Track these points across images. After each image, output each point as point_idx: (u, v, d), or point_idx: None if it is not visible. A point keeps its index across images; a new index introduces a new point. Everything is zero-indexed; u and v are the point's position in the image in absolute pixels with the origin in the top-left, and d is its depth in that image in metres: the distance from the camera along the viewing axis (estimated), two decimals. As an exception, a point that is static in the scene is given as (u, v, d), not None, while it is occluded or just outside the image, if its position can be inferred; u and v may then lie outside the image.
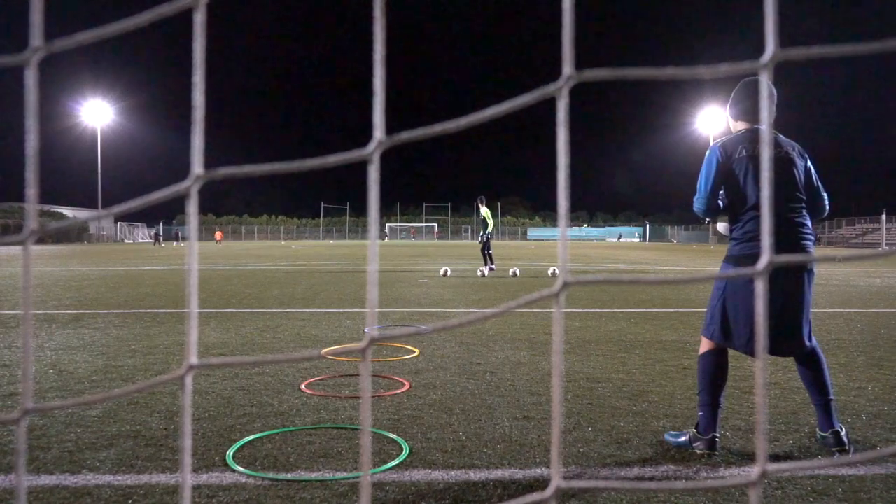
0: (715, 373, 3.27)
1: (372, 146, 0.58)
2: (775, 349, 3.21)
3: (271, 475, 2.89)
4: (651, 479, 2.89)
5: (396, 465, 3.01)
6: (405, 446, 3.26)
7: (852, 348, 6.07)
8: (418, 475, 2.92)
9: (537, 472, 2.96)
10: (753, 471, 0.49)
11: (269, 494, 2.69)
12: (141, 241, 78.53)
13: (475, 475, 2.92)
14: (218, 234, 77.99)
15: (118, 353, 5.76)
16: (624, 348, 6.05)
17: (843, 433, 3.20)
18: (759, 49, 0.52)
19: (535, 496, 0.52)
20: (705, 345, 3.35)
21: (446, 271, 15.70)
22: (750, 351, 3.21)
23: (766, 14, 0.51)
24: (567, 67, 0.55)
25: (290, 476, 2.89)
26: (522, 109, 0.58)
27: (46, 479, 2.84)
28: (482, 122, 0.58)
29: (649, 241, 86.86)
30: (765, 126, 0.53)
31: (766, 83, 0.52)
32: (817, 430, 3.32)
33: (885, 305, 9.74)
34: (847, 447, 3.18)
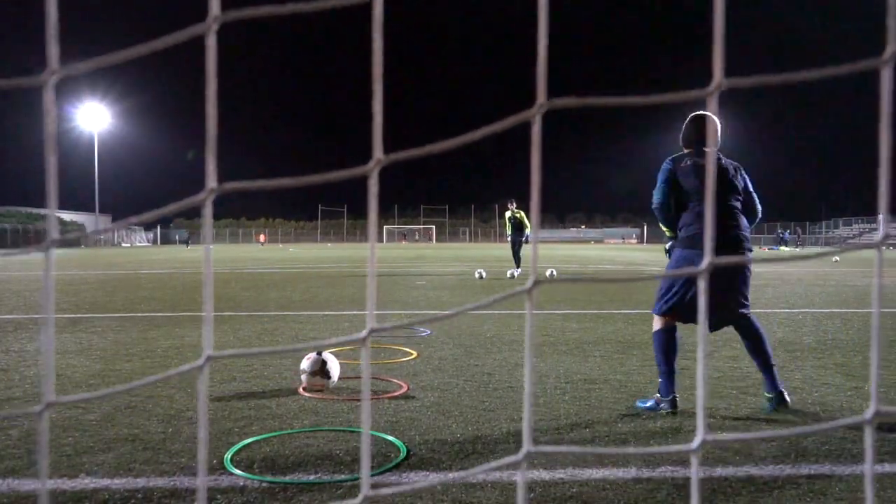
0: (668, 344, 4.01)
1: (371, 163, 0.68)
2: (713, 323, 3.98)
3: (269, 478, 2.89)
4: (648, 479, 2.89)
5: (394, 467, 3.02)
6: (403, 448, 3.27)
7: (849, 348, 6.08)
8: (416, 477, 2.92)
9: (535, 473, 2.97)
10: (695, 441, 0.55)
11: (268, 497, 2.69)
12: (139, 244, 78.31)
13: (473, 477, 2.93)
14: (262, 237, 77.11)
15: (116, 356, 5.76)
16: (622, 349, 6.06)
17: (785, 394, 3.94)
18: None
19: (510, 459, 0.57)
20: (657, 322, 4.08)
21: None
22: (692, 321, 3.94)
23: (715, 47, 0.61)
24: (541, 96, 0.65)
25: (288, 479, 2.89)
26: (518, 111, 0.66)
27: (44, 483, 2.83)
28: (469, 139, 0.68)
29: (647, 242, 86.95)
30: (710, 148, 0.61)
31: (713, 108, 0.64)
32: (763, 392, 4.05)
33: (882, 305, 9.74)
34: (788, 404, 3.92)
